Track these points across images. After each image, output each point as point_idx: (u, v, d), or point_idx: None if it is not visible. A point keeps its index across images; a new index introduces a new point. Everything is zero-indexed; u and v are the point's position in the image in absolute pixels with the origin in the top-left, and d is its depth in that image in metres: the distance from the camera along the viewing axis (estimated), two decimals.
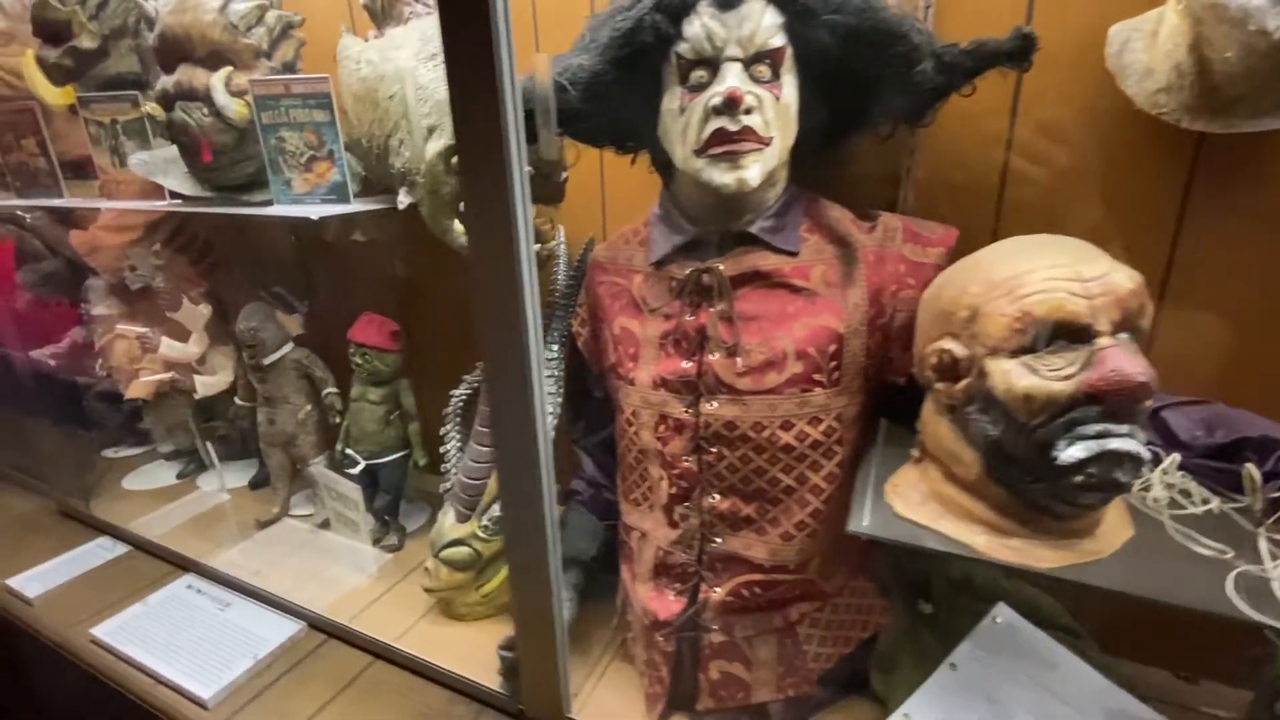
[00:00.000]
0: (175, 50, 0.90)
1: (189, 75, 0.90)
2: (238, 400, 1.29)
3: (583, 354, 0.91)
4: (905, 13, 0.66)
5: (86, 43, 1.06)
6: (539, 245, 0.86)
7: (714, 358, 0.72)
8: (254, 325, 1.17)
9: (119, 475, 1.46)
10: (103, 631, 0.97)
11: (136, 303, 1.36)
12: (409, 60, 0.86)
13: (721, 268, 0.72)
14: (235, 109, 0.91)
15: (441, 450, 1.06)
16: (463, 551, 0.95)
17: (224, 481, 1.15)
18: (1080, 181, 0.74)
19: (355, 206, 0.92)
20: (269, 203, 0.98)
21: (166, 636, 0.95)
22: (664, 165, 0.76)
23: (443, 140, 0.82)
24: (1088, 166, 0.73)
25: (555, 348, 0.93)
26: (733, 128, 0.63)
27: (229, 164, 0.97)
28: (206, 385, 1.30)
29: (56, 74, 1.08)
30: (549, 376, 0.91)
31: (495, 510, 0.93)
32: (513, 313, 0.61)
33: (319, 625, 0.98)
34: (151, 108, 0.91)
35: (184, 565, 1.13)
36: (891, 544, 0.61)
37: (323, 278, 1.37)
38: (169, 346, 1.25)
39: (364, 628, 0.96)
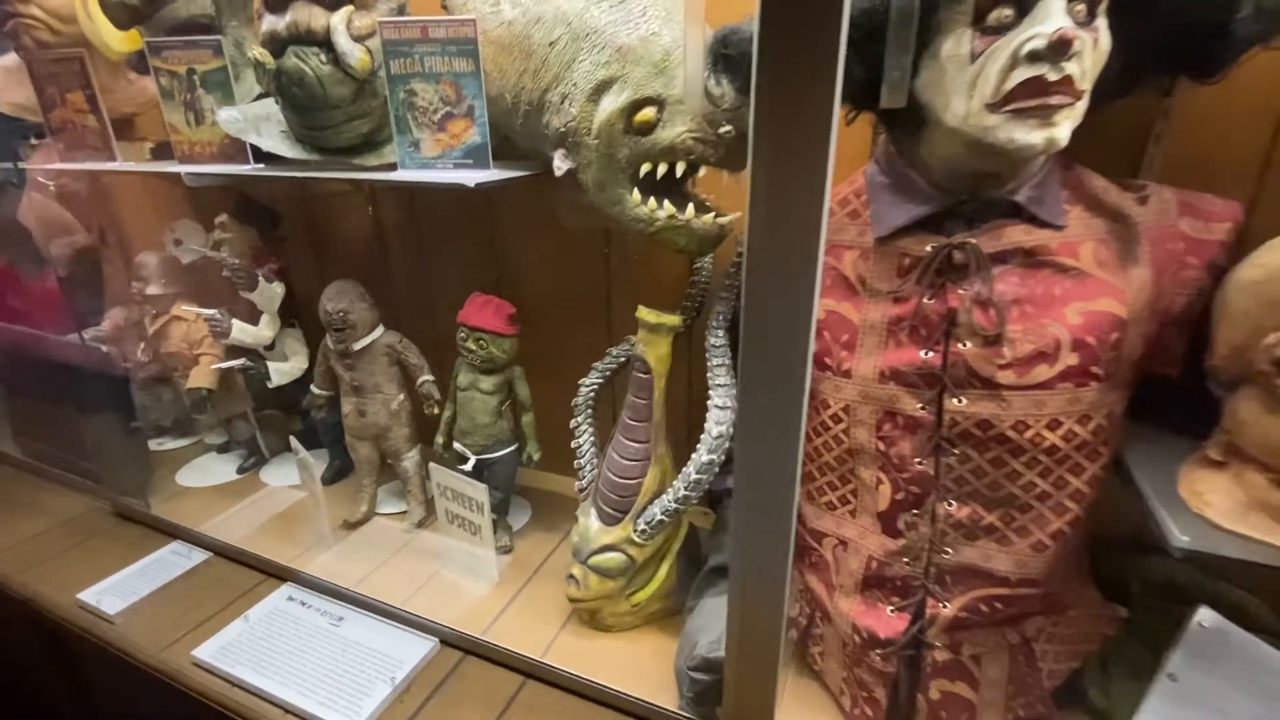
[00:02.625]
0: None
1: (307, 14, 0.77)
2: (314, 389, 1.17)
3: None
4: None
5: None
6: (712, 218, 0.75)
7: (965, 347, 0.63)
8: (343, 307, 1.04)
9: (170, 471, 1.34)
10: (206, 653, 0.86)
11: (190, 281, 1.23)
12: (575, 1, 0.74)
13: (975, 243, 0.62)
14: (359, 56, 0.78)
15: (574, 445, 0.96)
16: (615, 558, 0.86)
17: (315, 476, 1.04)
18: None
19: (497, 173, 0.80)
20: (390, 167, 0.86)
21: (282, 658, 0.85)
22: (903, 124, 0.66)
23: (625, 94, 0.70)
24: None
25: (721, 333, 0.84)
26: (1053, 76, 0.53)
27: (342, 121, 0.84)
28: (281, 373, 1.18)
29: (120, 15, 0.93)
30: (719, 365, 0.82)
31: (654, 512, 0.83)
32: (796, 299, 0.51)
33: (452, 641, 0.89)
34: (259, 53, 0.77)
35: (277, 574, 1.02)
36: (1220, 561, 0.54)
37: (404, 256, 1.25)
38: (241, 330, 1.12)
39: (502, 641, 0.87)
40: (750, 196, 0.49)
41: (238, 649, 0.87)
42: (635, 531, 0.85)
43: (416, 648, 0.87)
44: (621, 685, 0.80)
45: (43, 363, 1.27)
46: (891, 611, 0.71)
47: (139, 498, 1.18)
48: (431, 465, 1.00)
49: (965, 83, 0.57)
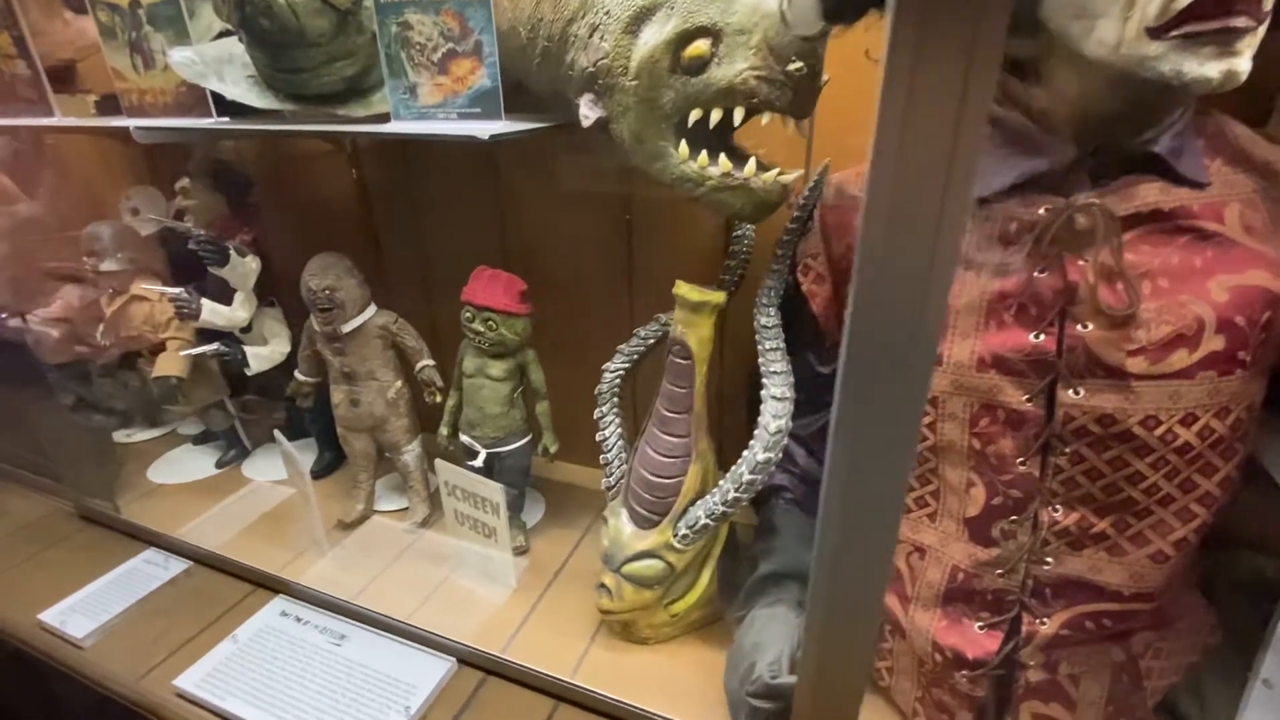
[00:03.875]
0: None
1: None
2: (299, 376, 1.05)
3: (815, 319, 0.72)
4: None
5: None
6: (775, 175, 0.63)
7: (1086, 329, 0.53)
8: (329, 284, 0.92)
9: (140, 466, 1.21)
10: (190, 681, 0.76)
11: (152, 255, 1.08)
12: None
13: (1103, 204, 0.52)
14: None
15: (599, 439, 0.86)
16: (653, 566, 0.77)
17: (304, 471, 0.92)
18: None
19: (514, 125, 0.68)
20: (382, 118, 0.73)
21: (278, 686, 0.75)
22: (1016, 59, 0.54)
23: (672, 24, 0.58)
24: None
25: (773, 312, 0.73)
26: None
27: (322, 62, 0.70)
28: (260, 358, 1.05)
29: None
30: (774, 350, 0.71)
31: (697, 515, 0.74)
32: (924, 269, 0.40)
33: (471, 660, 0.79)
34: None
35: (268, 585, 0.91)
36: None
37: (395, 224, 1.11)
38: (212, 311, 0.99)
39: (525, 659, 0.77)
40: (876, 146, 0.37)
41: (226, 676, 0.77)
42: (675, 537, 0.75)
43: (431, 669, 0.77)
44: (665, 708, 0.71)
45: None
46: (980, 629, 0.63)
47: (105, 498, 1.06)
48: (438, 463, 0.89)
49: (1118, 5, 0.45)
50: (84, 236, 1.04)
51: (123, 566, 0.95)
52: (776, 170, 0.62)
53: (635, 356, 0.87)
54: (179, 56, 0.75)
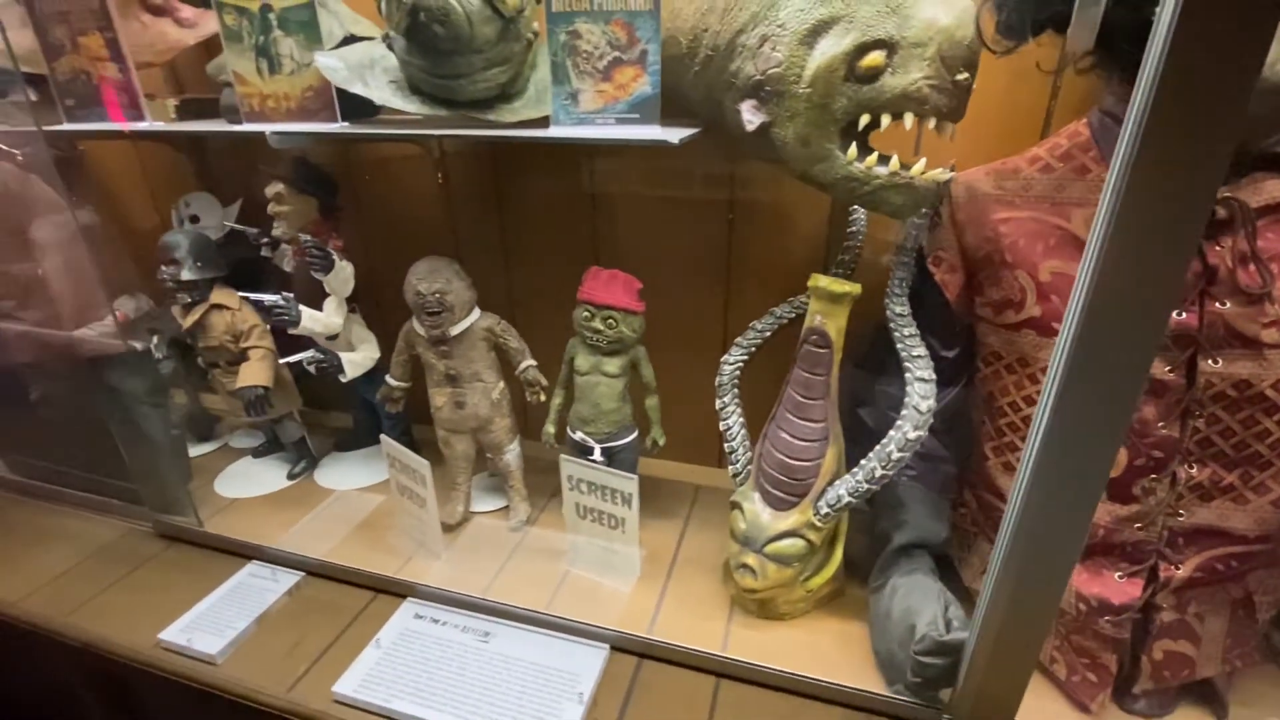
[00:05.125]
0: None
1: None
2: (391, 380, 1.04)
3: (943, 306, 0.78)
4: None
5: None
6: (938, 172, 0.69)
7: (1224, 306, 0.61)
8: (439, 288, 0.92)
9: (203, 481, 1.17)
10: (348, 687, 0.75)
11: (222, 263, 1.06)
12: None
13: (1240, 199, 0.60)
14: None
15: (722, 428, 0.90)
16: (794, 544, 0.81)
17: (427, 479, 0.91)
18: None
19: (673, 131, 0.71)
20: (538, 123, 0.75)
21: (441, 685, 0.76)
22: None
23: (850, 36, 0.63)
24: None
25: (905, 300, 0.79)
26: None
27: (481, 68, 0.72)
28: (355, 364, 1.04)
29: None
30: (911, 336, 0.77)
31: (838, 494, 0.79)
32: (1175, 258, 0.46)
33: (622, 646, 0.82)
34: None
35: (391, 590, 0.91)
36: None
37: (479, 226, 1.12)
38: (311, 318, 0.98)
39: (676, 640, 0.81)
40: (1132, 157, 0.43)
41: (382, 679, 0.77)
42: (817, 515, 0.80)
43: (588, 657, 0.79)
44: (820, 674, 0.76)
45: (43, 366, 1.07)
46: (1120, 577, 0.70)
47: (188, 515, 1.02)
48: (562, 458, 0.91)
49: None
50: (161, 245, 1.01)
51: (230, 582, 0.93)
52: (938, 169, 0.67)
53: (752, 349, 0.91)
54: (325, 61, 0.75)
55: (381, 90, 0.75)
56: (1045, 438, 0.54)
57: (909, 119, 0.65)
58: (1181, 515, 0.67)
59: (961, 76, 0.63)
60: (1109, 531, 0.70)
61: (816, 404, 0.81)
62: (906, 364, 0.76)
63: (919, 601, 0.75)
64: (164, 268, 1.01)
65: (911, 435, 0.73)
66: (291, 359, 0.98)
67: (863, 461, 0.78)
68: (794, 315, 0.90)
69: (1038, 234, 0.69)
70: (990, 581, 0.63)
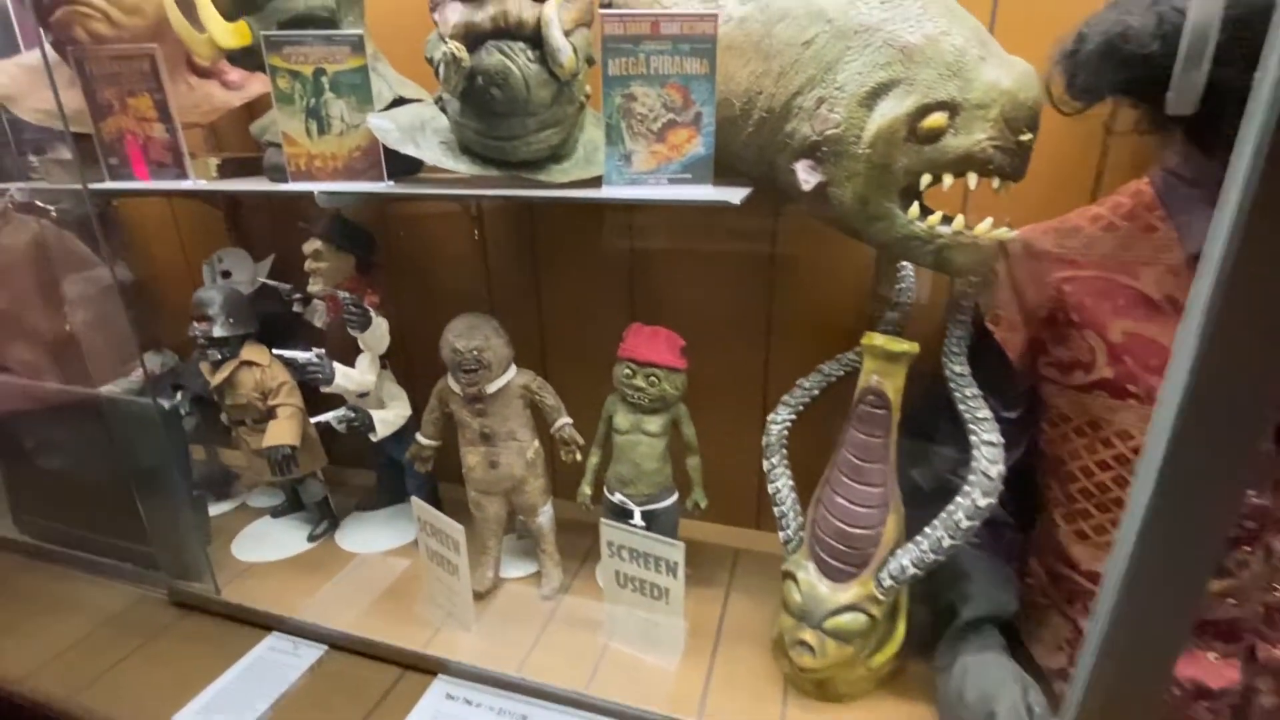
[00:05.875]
0: None
1: (516, 4, 0.65)
2: (422, 439, 1.01)
3: (1004, 366, 0.76)
4: None
5: None
6: (1002, 231, 0.67)
7: None
8: (477, 345, 0.90)
9: (220, 544, 1.13)
10: None
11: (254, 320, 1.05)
12: None
13: None
14: (570, 54, 0.66)
15: (771, 491, 0.86)
16: (856, 619, 0.76)
17: (460, 545, 0.87)
18: None
19: (732, 191, 0.70)
20: (589, 183, 0.75)
21: None
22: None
23: (912, 98, 0.63)
24: None
25: (964, 360, 0.77)
26: None
27: (535, 130, 0.72)
28: (386, 423, 1.02)
29: (228, 3, 0.77)
30: (974, 397, 0.74)
31: (902, 564, 0.74)
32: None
33: None
34: (455, 47, 0.64)
35: (420, 666, 0.86)
36: None
37: (511, 282, 1.11)
38: (344, 375, 0.95)
39: None
40: (1239, 225, 0.41)
41: None
42: (879, 588, 0.76)
43: None
44: None
45: (62, 423, 1.05)
46: (1216, 658, 0.65)
47: (205, 581, 0.98)
48: (602, 522, 0.87)
49: None
50: (194, 302, 1.00)
51: (249, 656, 0.87)
52: (1001, 228, 0.66)
53: (800, 408, 0.88)
54: (377, 123, 0.75)
55: (432, 151, 0.75)
56: (1146, 521, 0.51)
57: (973, 179, 0.64)
58: (1278, 590, 0.63)
59: (1025, 137, 0.62)
60: (1202, 608, 0.65)
61: (875, 468, 0.77)
62: (971, 427, 0.73)
63: (994, 685, 0.69)
64: (196, 324, 0.99)
65: (981, 503, 0.70)
66: (322, 418, 0.95)
67: (927, 529, 0.74)
68: (843, 373, 0.87)
69: (1105, 293, 0.67)
70: (1083, 674, 0.58)
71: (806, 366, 0.88)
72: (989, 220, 0.65)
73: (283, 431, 1.00)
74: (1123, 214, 0.68)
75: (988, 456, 0.70)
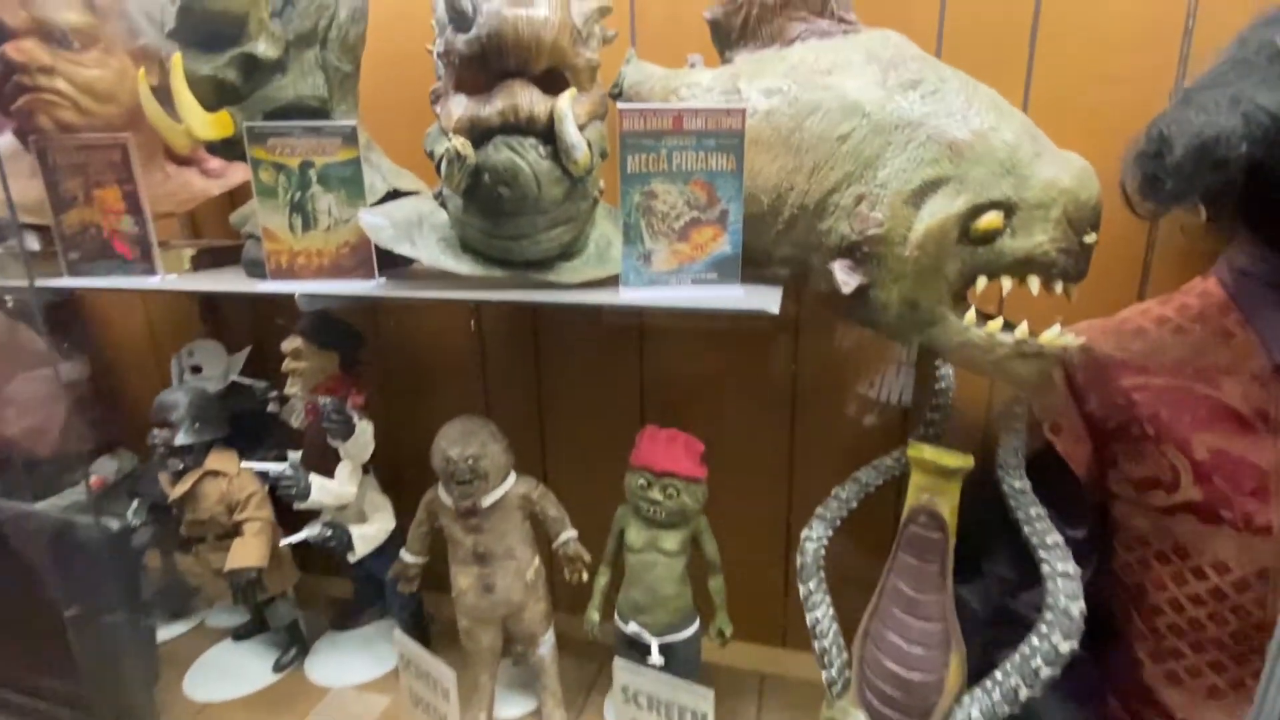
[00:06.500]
0: (511, 59, 0.59)
1: (528, 98, 0.59)
2: (407, 557, 0.90)
3: (1068, 479, 0.68)
4: None
5: (267, 50, 0.70)
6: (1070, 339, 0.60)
7: None
8: (473, 453, 0.81)
9: (173, 675, 0.98)
10: None
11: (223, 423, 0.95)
12: (869, 89, 0.62)
13: None
14: (585, 150, 0.61)
15: (810, 622, 0.76)
16: None
17: (451, 691, 0.75)
18: None
19: (767, 294, 0.64)
20: (604, 283, 0.68)
21: None
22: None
23: (963, 198, 0.57)
24: None
25: (1022, 474, 0.69)
26: None
27: (545, 228, 0.65)
28: (367, 539, 0.90)
29: (212, 92, 0.71)
30: (1039, 518, 0.66)
31: (968, 713, 0.64)
32: None
33: None
34: (459, 144, 0.58)
35: None
36: None
37: (510, 382, 1.03)
38: (321, 488, 0.85)
39: None
40: None
41: None
42: None
43: None
44: None
45: None
46: None
47: None
48: (617, 662, 0.75)
49: None
50: (156, 406, 0.90)
51: None
52: (1068, 335, 0.60)
53: (837, 522, 0.79)
54: (370, 220, 0.68)
55: (430, 250, 0.68)
56: None
57: (1034, 282, 0.58)
58: None
59: (1090, 238, 0.57)
60: None
61: (931, 600, 0.68)
62: (1042, 555, 0.64)
63: None
64: (156, 431, 0.89)
65: (1063, 647, 0.60)
66: (294, 538, 0.84)
67: (998, 674, 0.64)
68: (881, 482, 0.79)
69: (1183, 404, 0.61)
70: None
71: (834, 467, 0.80)
72: (1056, 327, 0.59)
73: (248, 552, 0.88)
74: (1192, 316, 0.63)
75: (1066, 592, 0.61)
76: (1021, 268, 0.58)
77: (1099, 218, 0.57)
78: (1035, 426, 0.70)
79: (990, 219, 0.57)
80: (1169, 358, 0.62)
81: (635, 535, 0.83)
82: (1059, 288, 0.58)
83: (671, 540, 0.82)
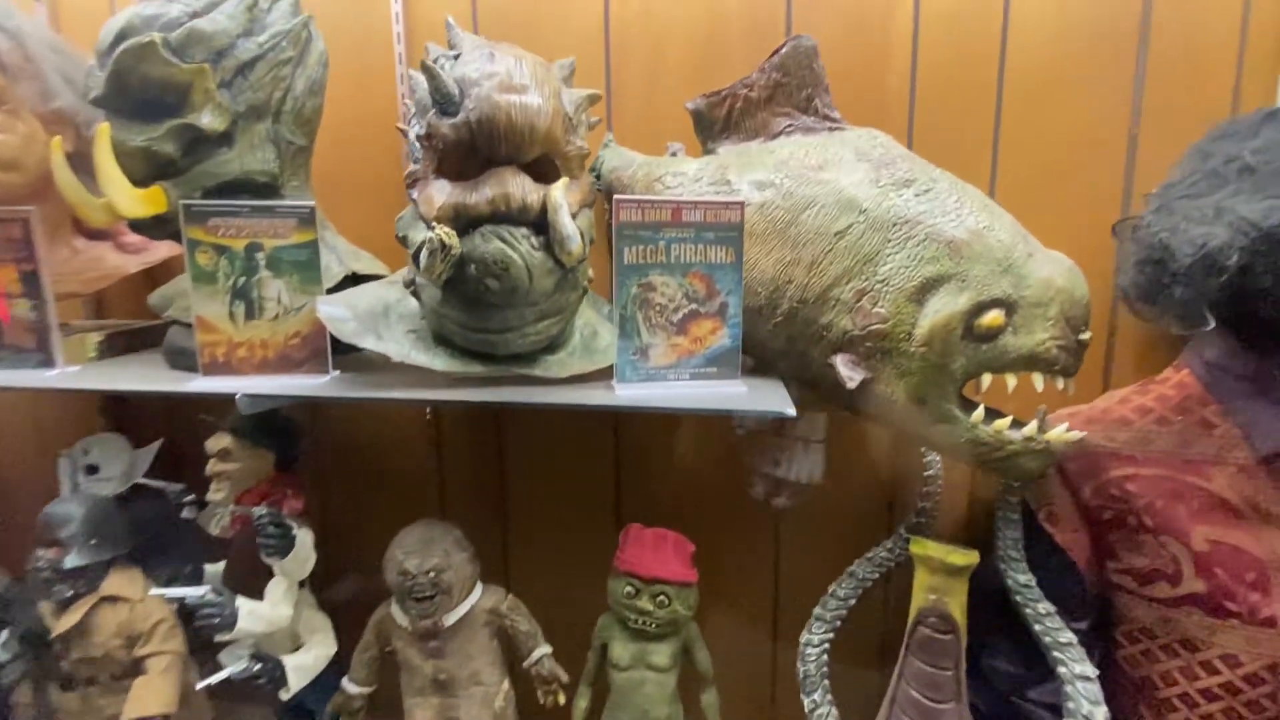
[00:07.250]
0: (502, 146, 0.55)
1: (520, 187, 0.55)
2: (350, 686, 0.78)
3: (1067, 568, 0.67)
4: None
5: (212, 122, 0.63)
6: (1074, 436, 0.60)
7: None
8: (435, 564, 0.72)
9: None
10: None
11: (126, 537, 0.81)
12: (864, 186, 0.62)
13: None
14: (579, 241, 0.57)
15: None
16: None
17: None
18: None
19: (775, 398, 0.60)
20: (595, 377, 0.63)
21: None
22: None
23: (966, 295, 0.57)
24: None
25: (1025, 567, 0.68)
26: None
27: (532, 320, 0.60)
28: (303, 671, 0.77)
29: (142, 167, 0.63)
30: (1046, 615, 0.64)
31: None
32: None
33: None
34: (444, 233, 0.53)
35: None
36: None
37: (468, 481, 0.94)
38: (250, 616, 0.72)
39: None
40: None
41: None
42: None
43: None
44: None
45: None
46: None
47: None
48: None
49: None
50: (41, 522, 0.75)
51: None
52: (1071, 431, 0.59)
53: (838, 622, 0.75)
54: (330, 311, 0.60)
55: (399, 344, 0.61)
56: None
57: (1038, 379, 0.58)
58: None
59: (1085, 335, 0.58)
60: None
61: (948, 709, 0.64)
62: (1056, 655, 0.62)
63: None
64: (40, 551, 0.74)
65: None
66: (215, 679, 0.70)
67: None
68: (878, 575, 0.76)
69: (1176, 494, 0.61)
70: None
71: (823, 558, 0.77)
72: (1064, 425, 0.59)
73: (153, 696, 0.73)
74: (1172, 407, 0.64)
75: (1087, 696, 0.59)
76: (1026, 364, 0.58)
77: (1089, 316, 0.58)
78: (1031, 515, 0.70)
79: (993, 316, 0.57)
80: (1155, 448, 0.63)
81: (621, 650, 0.75)
82: (1060, 384, 0.59)
83: (662, 654, 0.74)
